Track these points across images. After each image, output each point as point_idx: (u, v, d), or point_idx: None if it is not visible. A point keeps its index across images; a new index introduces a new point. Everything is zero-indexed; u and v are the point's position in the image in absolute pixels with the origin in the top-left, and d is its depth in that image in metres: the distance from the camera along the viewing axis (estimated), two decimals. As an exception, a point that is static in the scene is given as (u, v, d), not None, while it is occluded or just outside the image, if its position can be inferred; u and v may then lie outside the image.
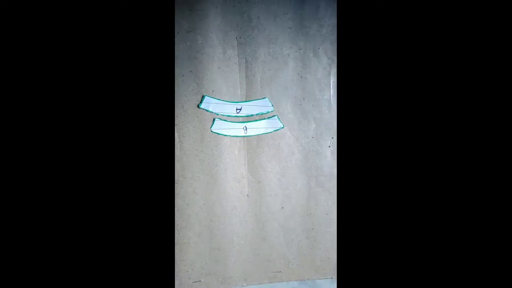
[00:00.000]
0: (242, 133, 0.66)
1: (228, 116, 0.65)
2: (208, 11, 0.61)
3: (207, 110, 0.63)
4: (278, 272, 0.71)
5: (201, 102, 0.62)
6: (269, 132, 0.68)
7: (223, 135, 0.65)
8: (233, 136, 0.66)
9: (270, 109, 0.67)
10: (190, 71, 0.61)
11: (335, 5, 0.65)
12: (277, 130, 0.68)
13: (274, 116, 0.67)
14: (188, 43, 0.60)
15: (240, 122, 0.66)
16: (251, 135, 0.67)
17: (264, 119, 0.67)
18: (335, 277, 0.73)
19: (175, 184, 0.64)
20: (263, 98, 0.66)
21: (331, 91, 0.68)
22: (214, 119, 0.64)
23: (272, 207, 0.70)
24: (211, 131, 0.64)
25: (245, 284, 0.69)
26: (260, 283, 0.70)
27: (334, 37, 0.67)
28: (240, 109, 0.65)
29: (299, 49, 0.67)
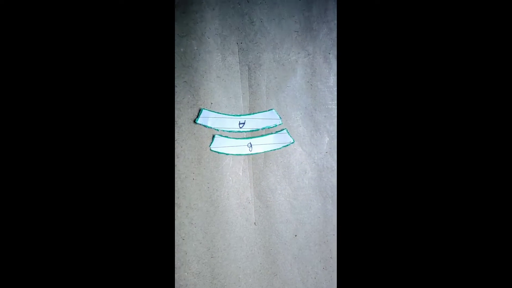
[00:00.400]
0: (246, 150, 0.57)
1: (229, 131, 0.56)
2: (204, 13, 0.53)
3: (205, 126, 0.54)
4: (292, 312, 0.60)
5: (197, 116, 0.54)
6: (278, 149, 0.59)
7: (224, 154, 0.56)
8: (236, 154, 0.57)
9: (278, 122, 0.59)
10: (185, 81, 0.53)
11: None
12: (287, 145, 0.59)
13: (283, 130, 0.59)
14: (182, 49, 0.52)
15: (244, 138, 0.57)
16: (257, 153, 0.58)
17: (272, 133, 0.59)
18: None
19: (169, 215, 0.53)
20: (269, 110, 0.58)
21: (345, 100, 0.61)
22: (213, 136, 0.55)
23: (284, 235, 0.60)
24: (211, 149, 0.55)
25: (255, 331, 0.58)
26: (272, 327, 0.59)
27: (344, 41, 0.60)
28: (244, 123, 0.57)
29: (308, 54, 0.60)
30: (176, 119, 0.53)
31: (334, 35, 0.61)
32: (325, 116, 0.61)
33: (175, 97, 0.52)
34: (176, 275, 0.54)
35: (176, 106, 0.53)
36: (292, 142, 0.60)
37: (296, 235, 0.61)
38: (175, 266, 0.54)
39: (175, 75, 0.52)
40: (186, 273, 0.54)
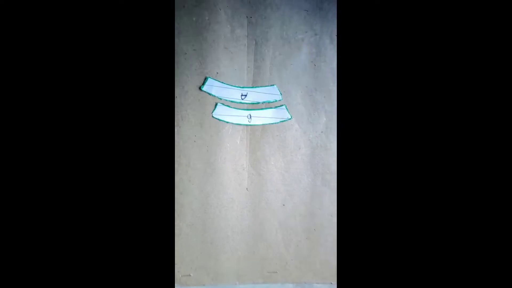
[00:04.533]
0: (246, 121, 0.61)
1: (232, 101, 0.60)
2: (218, -16, 0.55)
3: (209, 94, 0.58)
4: (273, 272, 0.67)
5: (203, 84, 0.58)
6: (275, 123, 0.63)
7: (225, 121, 0.60)
8: (235, 123, 0.61)
9: (278, 97, 0.62)
10: (194, 50, 0.56)
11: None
12: (284, 121, 0.63)
13: (282, 105, 0.62)
14: (194, 18, 0.55)
15: (244, 109, 0.61)
16: (255, 124, 0.62)
17: (271, 108, 0.62)
18: (334, 282, 0.68)
19: (170, 171, 0.60)
20: (271, 85, 0.61)
21: (346, 82, 0.63)
22: (216, 104, 0.59)
23: (273, 203, 0.65)
24: (212, 116, 0.59)
25: (238, 283, 0.65)
26: (254, 283, 0.66)
27: (354, 23, 0.61)
28: (246, 95, 0.60)
29: (315, 34, 0.61)
30: (183, 84, 0.57)
31: (344, 16, 0.61)
32: (324, 97, 0.63)
33: (184, 63, 0.56)
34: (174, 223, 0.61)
35: (184, 72, 0.57)
36: (290, 118, 0.63)
37: (284, 205, 0.66)
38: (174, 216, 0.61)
39: (186, 42, 0.56)
40: (181, 223, 0.61)
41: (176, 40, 0.56)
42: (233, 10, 0.57)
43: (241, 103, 0.61)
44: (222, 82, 0.59)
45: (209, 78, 0.58)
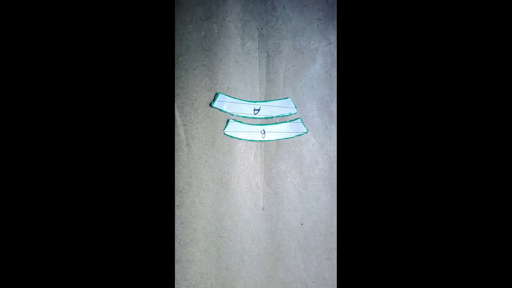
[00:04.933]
0: (259, 137, 0.58)
1: (244, 117, 0.57)
2: (227, -3, 0.53)
3: (220, 110, 0.55)
4: (293, 297, 0.62)
5: (214, 100, 0.55)
6: (291, 137, 0.59)
7: (237, 138, 0.57)
8: (249, 140, 0.58)
9: (293, 110, 0.59)
10: (203, 65, 0.54)
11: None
12: (300, 135, 0.59)
13: (297, 119, 0.59)
14: (203, 33, 0.53)
15: (257, 124, 0.58)
16: (269, 140, 0.59)
17: (286, 122, 0.59)
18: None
19: (180, 194, 0.56)
20: (285, 98, 0.58)
21: (364, 92, 0.60)
22: (228, 120, 0.56)
23: (290, 223, 0.61)
24: (224, 133, 0.56)
25: (256, 311, 0.60)
26: (272, 309, 0.61)
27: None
28: (258, 110, 0.57)
29: (329, 43, 0.58)
30: (192, 101, 0.54)
31: (358, 24, 0.59)
32: (341, 108, 0.60)
33: (193, 80, 0.54)
34: (183, 250, 0.57)
35: (194, 88, 0.54)
36: (306, 132, 0.60)
37: (302, 224, 0.62)
38: (184, 242, 0.57)
39: (195, 58, 0.53)
40: (193, 249, 0.57)
41: (185, 56, 0.53)
42: (243, 23, 0.55)
43: (253, 118, 0.58)
44: (234, 97, 0.56)
45: (220, 94, 0.55)
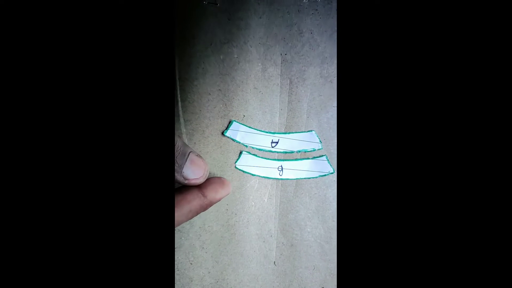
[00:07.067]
0: (276, 174, 0.50)
1: (260, 149, 0.50)
2: (250, 21, 0.50)
3: (233, 140, 0.49)
4: None
5: (227, 128, 0.49)
6: (313, 177, 0.50)
7: (250, 174, 0.49)
8: (263, 177, 0.50)
9: (318, 146, 0.50)
10: (219, 89, 0.49)
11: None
12: (325, 175, 0.50)
13: (322, 156, 0.50)
14: (221, 57, 0.49)
15: (275, 159, 0.50)
16: (287, 179, 0.50)
17: (308, 158, 0.50)
18: None
19: (179, 233, 0.48)
20: (309, 131, 0.50)
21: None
22: (241, 152, 0.49)
23: (309, 285, 0.49)
24: (236, 167, 0.49)
25: None
26: None
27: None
28: (277, 143, 0.50)
29: (362, 72, 0.51)
30: (203, 128, 0.49)
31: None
32: (377, 147, 0.51)
33: (207, 105, 0.49)
34: (175, 305, 0.47)
35: (206, 115, 0.49)
36: (332, 173, 0.50)
37: (323, 287, 0.49)
38: (177, 294, 0.47)
39: (211, 82, 0.49)
40: (187, 305, 0.47)
41: (200, 80, 0.49)
42: (266, 48, 0.50)
43: (270, 151, 0.50)
44: (249, 127, 0.49)
45: (234, 122, 0.49)
